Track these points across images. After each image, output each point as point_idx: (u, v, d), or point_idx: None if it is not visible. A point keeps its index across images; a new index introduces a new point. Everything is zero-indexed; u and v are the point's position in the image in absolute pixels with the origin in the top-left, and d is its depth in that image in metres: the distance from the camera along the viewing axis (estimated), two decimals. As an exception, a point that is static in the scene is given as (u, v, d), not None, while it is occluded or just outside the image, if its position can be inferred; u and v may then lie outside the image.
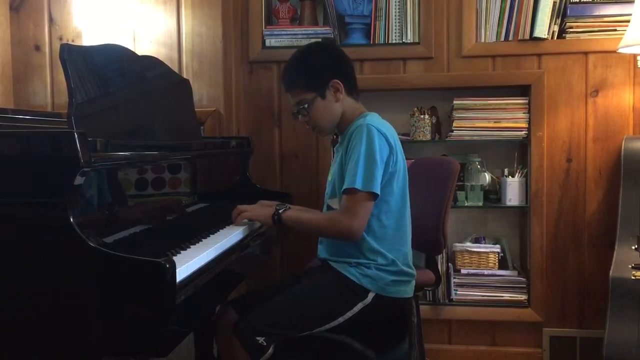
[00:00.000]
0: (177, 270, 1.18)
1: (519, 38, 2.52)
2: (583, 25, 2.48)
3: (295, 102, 1.80)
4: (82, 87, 1.48)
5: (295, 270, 2.00)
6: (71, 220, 1.12)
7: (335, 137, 2.55)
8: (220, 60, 2.47)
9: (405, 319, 1.76)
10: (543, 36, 2.48)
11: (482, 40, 2.57)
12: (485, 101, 2.56)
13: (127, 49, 1.80)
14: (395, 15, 2.60)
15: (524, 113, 2.55)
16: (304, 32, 2.64)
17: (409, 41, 2.60)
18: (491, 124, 2.56)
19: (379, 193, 1.64)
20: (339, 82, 1.75)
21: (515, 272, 2.62)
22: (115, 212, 1.39)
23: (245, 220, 1.81)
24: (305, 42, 2.59)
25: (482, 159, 2.64)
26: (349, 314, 1.67)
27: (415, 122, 2.60)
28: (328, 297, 1.69)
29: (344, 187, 1.64)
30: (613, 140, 2.50)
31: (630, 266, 2.16)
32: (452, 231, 2.66)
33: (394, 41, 2.61)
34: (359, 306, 1.67)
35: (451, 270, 2.62)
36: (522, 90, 2.62)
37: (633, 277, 2.12)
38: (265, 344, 1.58)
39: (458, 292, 2.61)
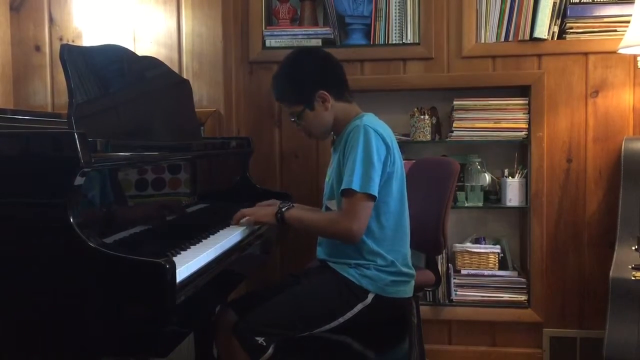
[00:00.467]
0: (177, 271, 1.19)
1: (519, 38, 2.52)
2: (583, 26, 2.48)
3: (287, 112, 1.84)
4: (82, 87, 1.48)
5: (294, 271, 2.00)
6: (71, 220, 1.12)
7: (334, 137, 2.55)
8: (220, 60, 2.47)
9: (405, 320, 1.76)
10: (543, 37, 2.48)
11: (482, 40, 2.57)
12: (485, 102, 2.56)
13: (127, 49, 1.80)
14: (396, 16, 2.60)
15: (524, 113, 2.55)
16: (304, 32, 2.64)
17: (409, 42, 2.60)
18: (491, 125, 2.56)
19: (376, 195, 1.64)
20: (325, 93, 1.75)
21: (515, 273, 2.62)
22: (115, 212, 1.39)
23: (249, 223, 1.82)
24: (305, 42, 2.60)
25: (482, 159, 2.64)
26: (348, 315, 1.67)
27: (416, 122, 2.60)
28: (328, 297, 1.69)
29: (342, 187, 1.64)
30: (613, 140, 2.50)
31: (630, 267, 2.16)
32: (452, 232, 2.66)
33: (394, 42, 2.61)
34: (359, 307, 1.67)
35: (451, 271, 2.62)
36: (522, 91, 2.62)
37: (633, 278, 2.12)
38: (264, 344, 1.58)
39: (458, 293, 2.61)
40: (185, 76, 2.37)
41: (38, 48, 2.53)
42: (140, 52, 2.29)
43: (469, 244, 2.67)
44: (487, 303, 2.60)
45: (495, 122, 2.56)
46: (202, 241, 1.59)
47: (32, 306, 1.17)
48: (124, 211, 1.44)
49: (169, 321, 1.15)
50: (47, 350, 1.19)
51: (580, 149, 2.53)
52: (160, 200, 1.66)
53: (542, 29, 2.47)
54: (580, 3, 2.47)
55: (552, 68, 2.52)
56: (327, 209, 1.82)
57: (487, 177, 2.64)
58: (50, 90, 2.54)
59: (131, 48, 2.19)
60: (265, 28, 2.66)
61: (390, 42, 2.61)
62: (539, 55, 2.53)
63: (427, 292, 2.61)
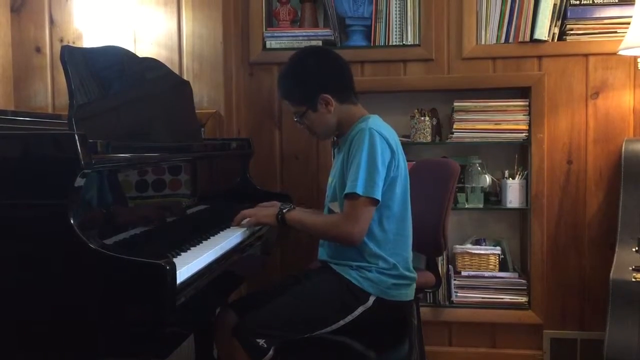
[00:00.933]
0: (178, 272, 1.19)
1: (519, 40, 2.52)
2: (583, 28, 2.48)
3: (292, 111, 1.84)
4: (82, 88, 1.48)
5: (295, 272, 2.00)
6: (72, 221, 1.12)
7: (335, 139, 2.55)
8: (220, 61, 2.47)
9: (406, 321, 1.76)
10: (543, 38, 2.48)
11: (483, 42, 2.57)
12: (485, 103, 2.56)
13: (127, 50, 1.80)
14: (396, 17, 2.60)
15: (524, 115, 2.55)
16: (304, 34, 2.64)
17: (409, 43, 2.60)
18: (491, 126, 2.56)
19: (379, 199, 1.63)
20: (328, 96, 1.75)
21: (515, 274, 2.62)
22: (115, 213, 1.39)
23: (251, 225, 1.82)
24: (305, 44, 2.60)
25: (483, 160, 2.64)
26: (349, 317, 1.66)
27: (416, 123, 2.60)
28: (329, 299, 1.69)
29: (345, 191, 1.64)
30: (613, 142, 2.50)
31: (630, 268, 2.16)
32: (453, 233, 2.65)
33: (394, 43, 2.61)
34: (360, 309, 1.67)
35: (451, 272, 2.62)
36: (523, 92, 2.62)
37: (633, 279, 2.12)
38: (265, 346, 1.58)
39: (458, 294, 2.61)
40: (185, 77, 2.37)
41: (38, 49, 2.53)
42: (140, 53, 2.29)
43: (469, 246, 2.66)
44: (488, 304, 2.60)
45: (495, 124, 2.56)
46: (202, 242, 1.59)
47: (33, 307, 1.17)
48: (124, 212, 1.44)
49: (169, 322, 1.15)
50: (47, 351, 1.19)
51: (581, 150, 2.53)
52: (160, 202, 1.66)
53: (543, 30, 2.47)
54: (580, 4, 2.48)
55: (553, 69, 2.52)
56: (330, 210, 1.82)
57: (488, 179, 2.64)
58: (50, 91, 2.54)
59: (131, 49, 2.19)
60: (266, 29, 2.66)
61: (390, 43, 2.61)
62: (539, 57, 2.53)
63: (428, 294, 2.61)
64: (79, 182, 1.15)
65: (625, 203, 2.35)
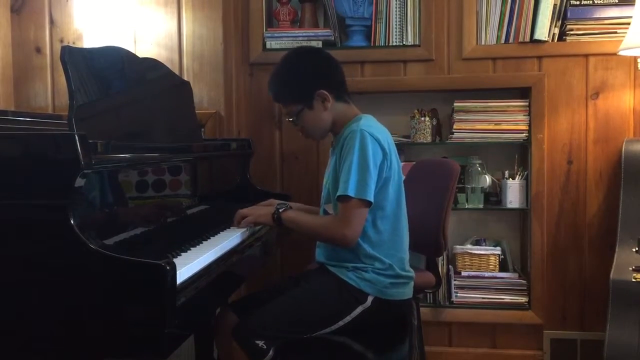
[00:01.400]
0: (178, 272, 1.18)
1: (520, 40, 2.52)
2: (583, 28, 2.48)
3: (284, 112, 1.82)
4: (82, 89, 1.48)
5: (294, 273, 2.00)
6: (72, 222, 1.12)
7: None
8: (220, 62, 2.47)
9: (406, 321, 1.76)
10: (543, 38, 2.48)
11: (483, 42, 2.57)
12: (485, 103, 2.56)
13: (127, 51, 1.80)
14: (396, 18, 2.60)
15: (524, 115, 2.55)
16: (304, 34, 2.64)
17: (409, 43, 2.60)
18: (492, 126, 2.56)
19: (372, 201, 1.63)
20: (324, 92, 1.74)
21: (515, 275, 2.62)
22: (115, 214, 1.39)
23: (249, 224, 1.81)
24: (305, 44, 2.60)
25: (483, 161, 2.64)
26: (349, 318, 1.66)
27: (416, 124, 2.60)
28: (328, 301, 1.68)
29: (338, 194, 1.63)
30: (613, 142, 2.50)
31: (630, 268, 2.16)
32: (453, 233, 2.65)
33: (394, 43, 2.61)
34: (359, 310, 1.67)
35: (451, 273, 2.62)
36: (523, 93, 2.62)
37: (634, 280, 2.12)
38: (265, 347, 1.58)
39: (458, 294, 2.61)
40: (185, 78, 2.37)
41: (39, 50, 2.53)
42: (140, 53, 2.29)
43: (469, 246, 2.66)
44: (488, 305, 2.60)
45: (495, 124, 2.56)
46: (202, 243, 1.59)
47: (32, 308, 1.17)
48: (124, 213, 1.44)
49: (169, 323, 1.15)
50: (47, 351, 1.19)
51: (581, 150, 2.53)
52: (160, 202, 1.66)
53: (543, 30, 2.47)
54: (580, 5, 2.48)
55: (553, 70, 2.52)
56: (325, 212, 1.81)
57: (488, 179, 2.64)
58: (50, 91, 2.54)
59: (132, 50, 2.19)
60: (266, 30, 2.66)
61: (390, 43, 2.61)
62: (540, 57, 2.53)
63: (428, 294, 2.61)
64: (79, 182, 1.15)
65: (625, 203, 2.35)
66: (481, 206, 2.62)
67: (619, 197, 2.38)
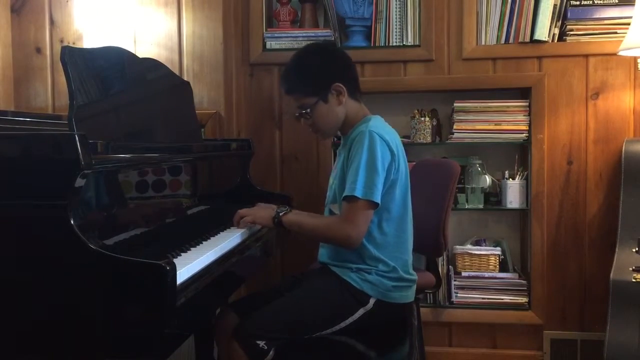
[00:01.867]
0: (178, 273, 1.18)
1: (520, 40, 2.52)
2: (583, 28, 2.48)
3: (297, 105, 1.77)
4: (82, 89, 1.48)
5: (295, 273, 1.99)
6: (72, 222, 1.12)
7: (336, 139, 2.55)
8: (220, 62, 2.47)
9: (406, 322, 1.76)
10: (543, 39, 2.48)
11: (483, 42, 2.57)
12: (485, 103, 2.56)
13: (127, 51, 1.80)
14: (396, 18, 2.60)
15: (524, 115, 2.55)
16: (304, 34, 2.64)
17: (409, 43, 2.60)
18: (492, 127, 2.56)
19: (379, 202, 1.62)
20: (341, 85, 1.72)
21: (515, 275, 2.62)
22: (115, 214, 1.39)
23: (248, 224, 1.80)
24: (305, 44, 2.59)
25: (483, 161, 2.64)
26: (350, 319, 1.66)
27: (416, 124, 2.60)
28: (329, 302, 1.68)
29: (344, 194, 1.63)
30: (614, 142, 2.50)
31: (631, 269, 2.16)
32: (453, 233, 2.65)
33: (394, 44, 2.61)
34: (360, 311, 1.67)
35: (452, 273, 2.62)
36: (523, 93, 2.62)
37: (634, 280, 2.12)
38: (266, 347, 1.57)
39: (458, 295, 2.61)
40: (185, 78, 2.37)
41: (39, 50, 2.53)
42: (140, 54, 2.29)
43: (469, 246, 2.66)
44: (488, 305, 2.60)
45: (495, 124, 2.56)
46: (202, 243, 1.59)
47: (32, 308, 1.17)
48: (124, 213, 1.44)
49: (170, 323, 1.15)
50: (46, 351, 1.19)
51: (581, 150, 2.53)
52: (160, 202, 1.66)
53: (543, 31, 2.48)
54: (580, 5, 2.48)
55: (553, 70, 2.52)
56: (331, 212, 1.81)
57: (488, 179, 2.64)
58: (50, 92, 2.54)
59: (132, 50, 2.19)
60: (266, 30, 2.66)
61: (390, 44, 2.61)
62: (540, 57, 2.53)
63: (428, 294, 2.61)
64: (79, 182, 1.15)
65: (625, 203, 2.35)
66: (481, 206, 2.62)
67: (619, 198, 2.38)
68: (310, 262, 2.12)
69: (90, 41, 2.46)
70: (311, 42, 2.58)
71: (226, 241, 1.62)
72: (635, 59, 2.45)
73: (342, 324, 1.66)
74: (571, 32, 2.49)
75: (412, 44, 2.60)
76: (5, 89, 2.49)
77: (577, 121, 2.53)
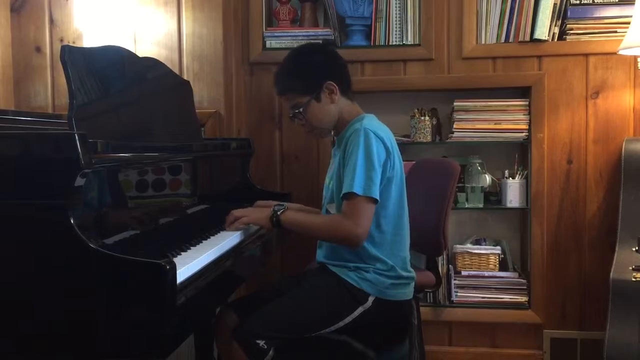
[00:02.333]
0: (178, 272, 1.18)
1: (520, 40, 2.52)
2: (583, 27, 2.48)
3: (290, 105, 1.79)
4: (82, 88, 1.48)
5: (294, 272, 2.00)
6: (72, 221, 1.12)
7: (334, 138, 2.54)
8: (220, 61, 2.47)
9: (406, 321, 1.76)
10: (543, 38, 2.48)
11: (483, 41, 2.57)
12: (485, 103, 2.57)
13: (127, 50, 1.80)
14: (396, 17, 2.60)
15: (524, 115, 2.55)
16: (304, 33, 2.64)
17: (409, 43, 2.60)
18: (492, 126, 2.56)
19: (378, 198, 1.62)
20: (333, 83, 1.74)
21: (515, 274, 2.62)
22: (115, 213, 1.39)
23: (242, 226, 1.75)
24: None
25: (483, 160, 2.64)
26: (349, 318, 1.66)
27: (416, 123, 2.60)
28: (328, 301, 1.68)
29: (343, 191, 1.62)
30: (613, 141, 2.50)
31: (631, 268, 2.16)
32: (453, 233, 2.66)
33: (394, 43, 2.61)
34: (359, 310, 1.67)
35: (452, 272, 2.62)
36: (523, 92, 2.62)
37: (634, 279, 2.12)
38: (265, 347, 1.58)
39: (458, 294, 2.61)
40: (185, 77, 2.37)
41: (39, 49, 2.53)
42: (140, 53, 2.29)
43: (469, 245, 2.67)
44: (488, 304, 2.60)
45: (495, 123, 2.56)
46: (202, 242, 1.58)
47: (32, 307, 1.17)
48: (124, 212, 1.44)
49: (169, 322, 1.15)
50: (45, 351, 1.19)
51: (581, 150, 2.53)
52: (160, 202, 1.65)
53: (543, 30, 2.47)
54: (580, 4, 2.48)
55: (553, 69, 2.52)
56: (328, 212, 1.80)
57: (488, 178, 2.64)
58: (50, 91, 2.54)
59: (132, 49, 2.19)
60: (266, 29, 2.66)
61: (390, 43, 2.61)
62: (540, 57, 2.53)
63: (428, 293, 2.61)
64: (79, 181, 1.15)
65: (625, 202, 2.35)
66: (481, 206, 2.62)
67: (619, 197, 2.38)
68: (309, 261, 2.12)
69: (90, 40, 2.46)
70: (309, 41, 2.60)
71: (226, 240, 1.62)
72: (635, 58, 2.45)
73: (341, 323, 1.66)
74: (571, 31, 2.49)
75: (412, 43, 2.60)
76: (5, 89, 2.49)
77: (577, 120, 2.53)
